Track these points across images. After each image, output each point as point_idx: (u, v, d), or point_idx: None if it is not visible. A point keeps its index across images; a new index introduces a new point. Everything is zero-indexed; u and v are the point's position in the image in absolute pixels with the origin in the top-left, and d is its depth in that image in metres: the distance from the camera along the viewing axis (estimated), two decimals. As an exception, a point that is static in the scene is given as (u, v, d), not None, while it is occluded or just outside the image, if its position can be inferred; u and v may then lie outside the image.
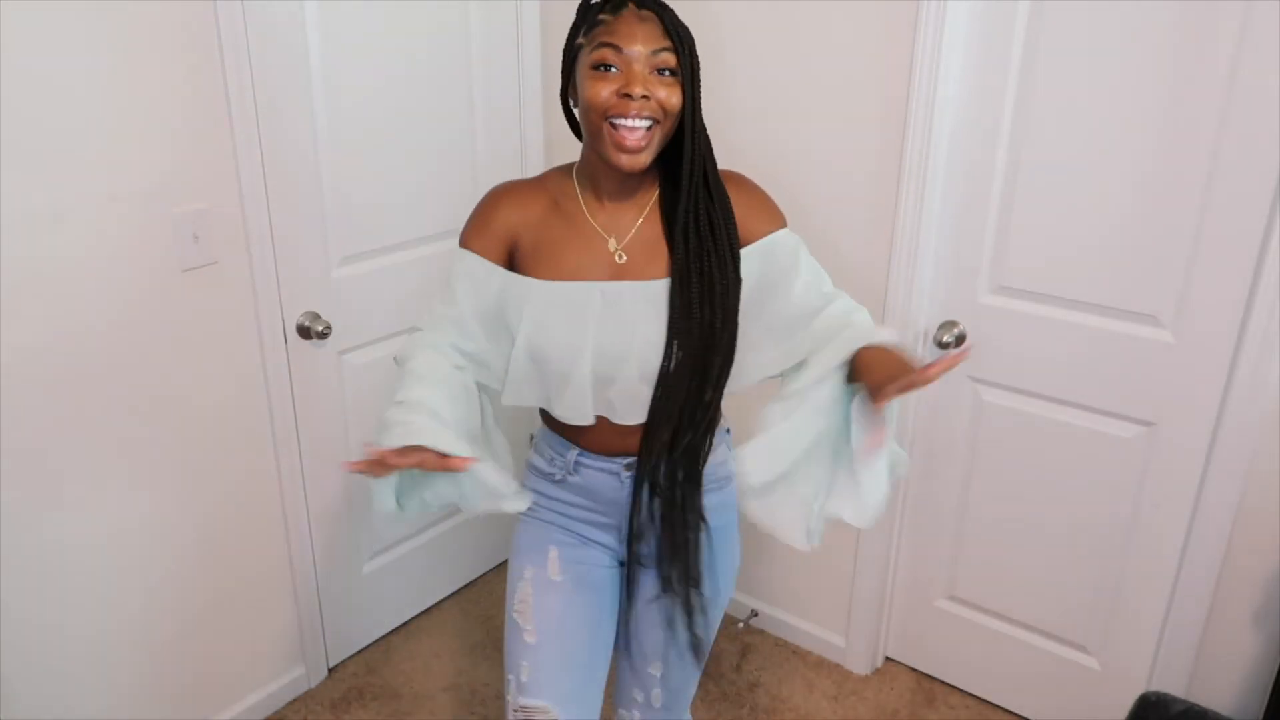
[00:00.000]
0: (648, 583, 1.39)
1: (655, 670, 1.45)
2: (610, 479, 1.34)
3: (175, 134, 1.66)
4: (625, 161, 1.18)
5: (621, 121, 1.16)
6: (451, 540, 2.49)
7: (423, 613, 2.47)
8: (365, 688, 2.21)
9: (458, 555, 2.53)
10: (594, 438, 1.32)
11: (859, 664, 2.28)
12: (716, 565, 1.39)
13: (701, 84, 1.22)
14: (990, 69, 1.76)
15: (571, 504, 1.38)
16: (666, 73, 1.18)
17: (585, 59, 1.18)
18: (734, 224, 1.29)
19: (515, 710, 1.35)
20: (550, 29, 2.28)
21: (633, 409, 1.26)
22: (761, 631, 2.42)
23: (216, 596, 1.94)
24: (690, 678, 1.50)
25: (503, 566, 2.66)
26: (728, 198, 1.29)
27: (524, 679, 1.34)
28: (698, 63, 1.22)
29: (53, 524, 1.64)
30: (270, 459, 1.97)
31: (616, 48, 1.15)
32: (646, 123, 1.17)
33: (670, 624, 1.38)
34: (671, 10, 1.20)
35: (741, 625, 2.42)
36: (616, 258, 1.26)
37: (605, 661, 1.43)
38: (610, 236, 1.27)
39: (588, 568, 1.39)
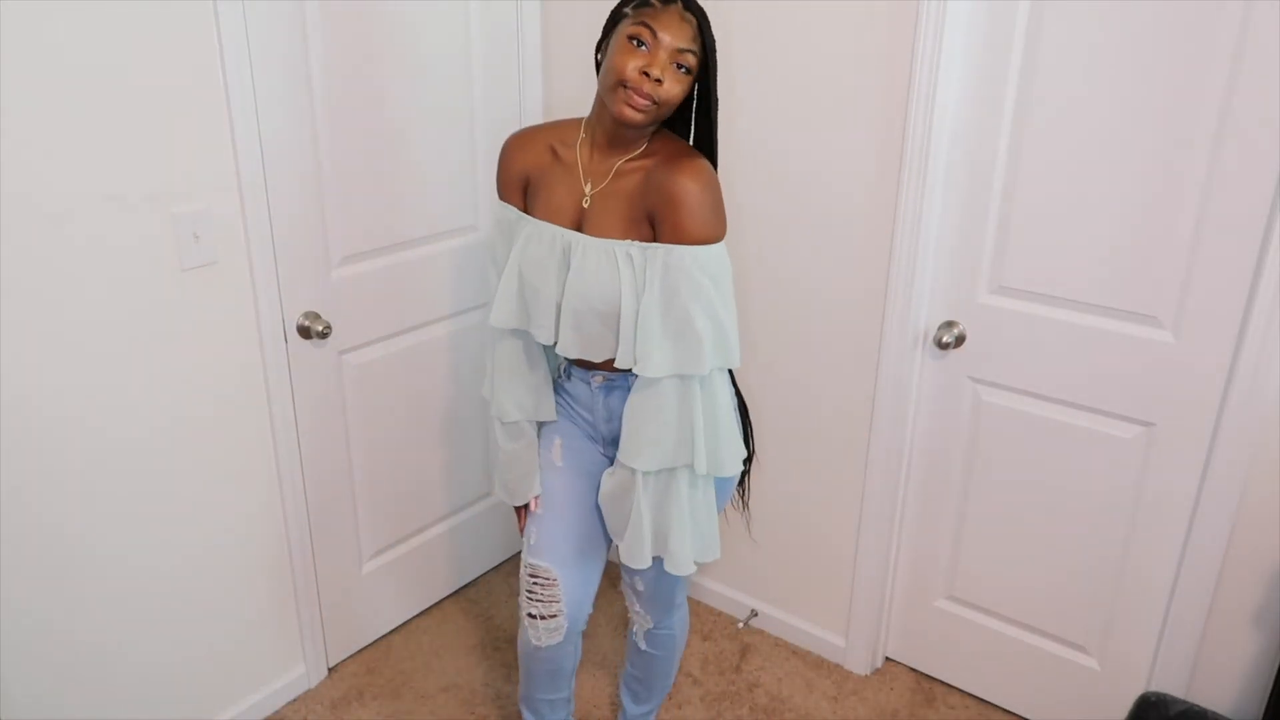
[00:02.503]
0: (606, 480, 1.62)
1: (626, 541, 1.64)
2: (585, 388, 1.63)
3: (175, 134, 1.66)
4: (627, 115, 1.39)
5: (634, 93, 1.37)
6: (451, 540, 2.49)
7: (423, 613, 2.47)
8: (365, 688, 2.21)
9: (458, 555, 2.53)
10: None
11: (859, 664, 2.28)
12: None
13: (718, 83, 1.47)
14: (990, 69, 1.76)
15: (571, 405, 1.69)
16: (683, 69, 1.39)
17: (624, 29, 1.39)
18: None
19: (526, 567, 1.63)
20: (550, 29, 2.28)
21: (577, 342, 1.50)
22: (761, 631, 2.42)
23: (216, 596, 1.94)
24: (664, 579, 1.69)
25: (502, 566, 2.66)
26: None
27: (533, 542, 1.63)
28: (715, 66, 1.44)
29: (52, 524, 1.64)
30: (270, 459, 1.97)
31: (654, 31, 1.37)
32: (651, 102, 1.38)
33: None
34: (708, 21, 1.42)
35: (741, 625, 2.42)
36: (584, 202, 1.49)
37: (604, 541, 1.68)
38: (588, 181, 1.49)
39: (585, 458, 1.67)
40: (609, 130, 1.47)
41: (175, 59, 1.63)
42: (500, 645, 2.36)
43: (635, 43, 1.37)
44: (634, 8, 1.40)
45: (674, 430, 1.46)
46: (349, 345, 2.07)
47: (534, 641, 1.65)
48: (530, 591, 1.62)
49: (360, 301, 2.06)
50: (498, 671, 2.27)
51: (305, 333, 1.95)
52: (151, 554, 1.81)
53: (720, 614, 2.48)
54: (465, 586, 2.58)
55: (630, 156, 1.48)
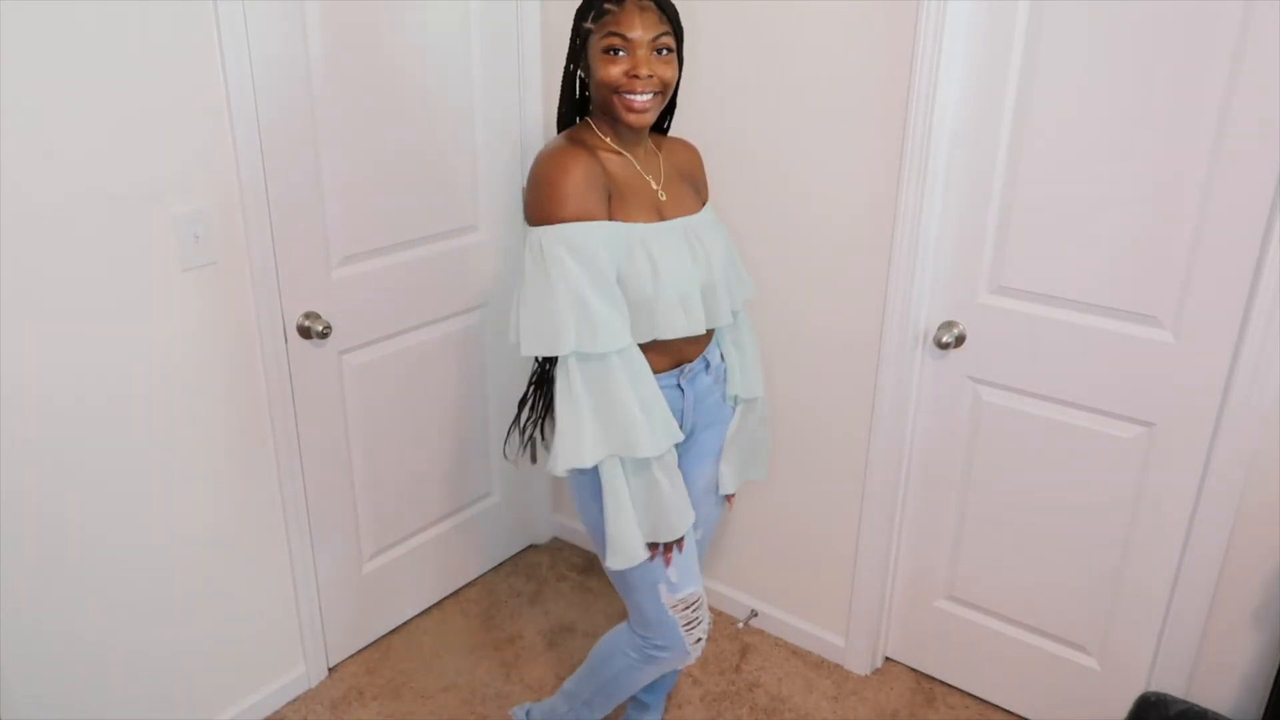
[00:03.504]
0: (699, 469, 1.71)
1: (697, 535, 1.75)
2: (672, 391, 1.58)
3: (175, 134, 1.66)
4: (635, 120, 1.44)
5: (631, 97, 1.42)
6: (451, 540, 2.49)
7: (423, 613, 2.47)
8: (365, 688, 2.21)
9: (458, 555, 2.53)
10: (659, 360, 1.54)
11: (859, 664, 2.28)
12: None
13: (686, 64, 1.56)
14: (990, 69, 1.76)
15: None
16: (665, 51, 1.44)
17: (596, 43, 1.43)
18: None
19: (674, 606, 1.60)
20: (550, 29, 2.28)
21: (721, 312, 1.58)
22: (761, 631, 2.42)
23: (216, 596, 1.94)
24: (708, 539, 1.85)
25: (502, 566, 2.67)
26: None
27: (674, 580, 1.59)
28: (682, 31, 1.49)
29: (52, 525, 1.64)
30: (270, 459, 1.97)
31: (623, 36, 1.40)
32: (650, 95, 1.43)
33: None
34: None
35: (741, 625, 2.42)
36: (660, 195, 1.54)
37: None
38: (649, 176, 1.55)
39: (679, 475, 1.60)
40: (635, 134, 1.52)
41: (175, 59, 1.63)
42: (500, 645, 2.36)
43: (612, 53, 1.41)
44: (594, 19, 1.42)
45: None
46: (349, 345, 2.07)
47: (694, 659, 1.68)
48: (690, 623, 1.63)
49: (360, 301, 2.06)
50: (498, 671, 2.27)
51: (305, 333, 1.95)
52: (151, 554, 1.81)
53: (720, 614, 2.48)
54: (465, 586, 2.58)
55: (661, 146, 1.62)
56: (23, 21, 1.43)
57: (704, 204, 1.65)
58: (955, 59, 1.77)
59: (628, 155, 1.52)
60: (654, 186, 1.54)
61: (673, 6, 1.46)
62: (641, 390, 1.45)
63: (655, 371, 1.52)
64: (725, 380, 1.72)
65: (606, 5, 1.40)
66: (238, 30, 1.68)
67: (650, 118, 1.46)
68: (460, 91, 2.15)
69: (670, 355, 1.57)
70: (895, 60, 1.81)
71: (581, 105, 1.57)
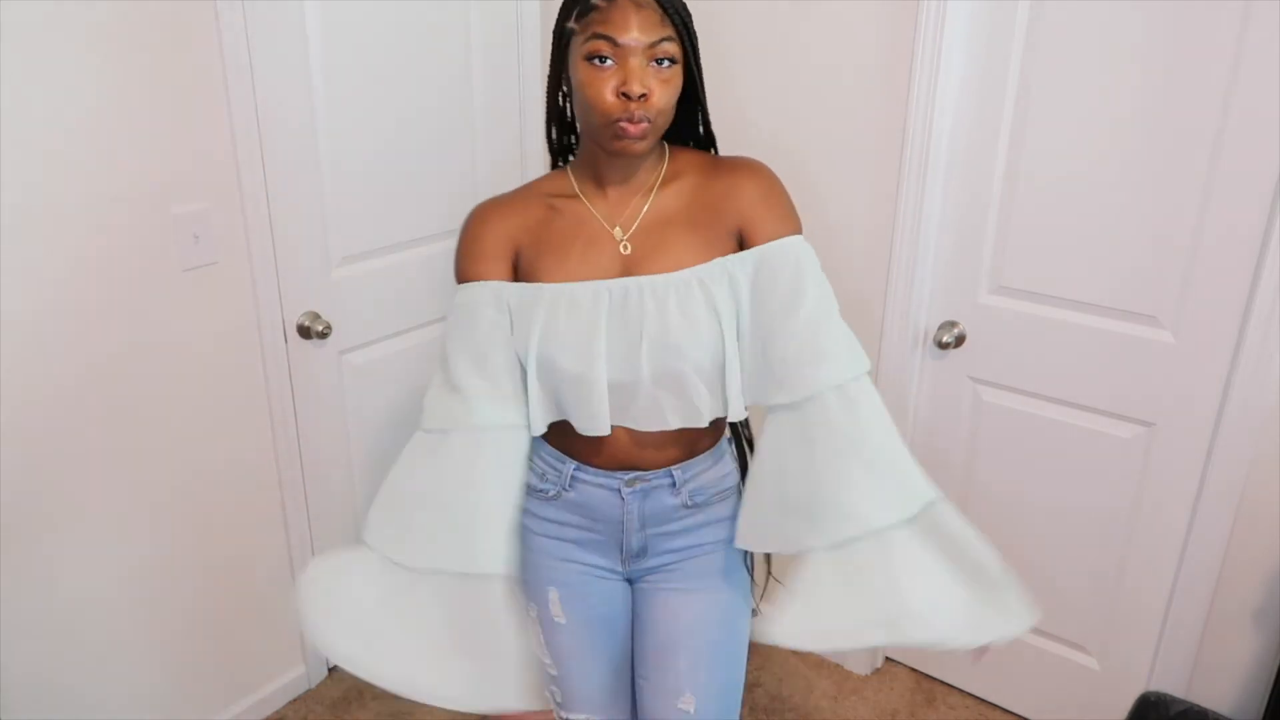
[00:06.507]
0: (660, 610, 1.31)
1: (687, 705, 1.28)
2: (610, 495, 1.25)
3: (175, 134, 1.66)
4: (624, 148, 1.11)
5: (624, 124, 1.09)
6: (451, 540, 2.48)
7: (423, 613, 2.47)
8: (365, 688, 2.21)
9: (458, 555, 2.52)
10: (596, 450, 1.23)
11: (859, 664, 2.28)
12: (732, 576, 1.33)
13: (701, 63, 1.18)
14: (990, 69, 1.77)
15: (564, 523, 1.29)
16: (666, 63, 1.09)
17: (579, 48, 1.10)
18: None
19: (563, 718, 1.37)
20: (550, 29, 2.28)
21: (652, 415, 1.18)
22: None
23: (217, 596, 1.94)
24: (728, 709, 1.32)
25: (503, 566, 2.66)
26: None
27: (559, 700, 1.35)
28: (695, 37, 1.14)
29: (53, 523, 1.65)
30: (270, 459, 1.97)
31: (612, 40, 1.07)
32: (646, 122, 1.10)
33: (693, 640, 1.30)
34: None
35: (741, 625, 2.41)
36: (622, 248, 1.18)
37: (630, 676, 1.37)
38: (615, 226, 1.19)
39: (590, 603, 1.32)
40: (620, 166, 1.19)
41: (176, 59, 1.63)
42: (500, 645, 2.36)
43: (597, 61, 1.08)
44: (578, 18, 1.11)
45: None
46: (349, 345, 2.07)
47: None
48: None
49: (360, 301, 2.06)
50: (498, 671, 2.27)
51: (305, 333, 1.95)
52: (151, 553, 1.81)
53: (720, 614, 2.48)
54: (465, 586, 2.57)
55: (660, 181, 1.21)
56: (23, 22, 1.43)
57: (726, 251, 1.18)
58: (955, 59, 1.77)
59: (586, 202, 1.21)
60: (617, 236, 1.18)
61: (680, 3, 1.12)
62: (438, 489, 1.22)
63: (586, 463, 1.25)
64: (731, 518, 1.29)
65: (593, 0, 1.09)
66: (237, 30, 1.68)
67: (644, 146, 1.11)
68: (460, 91, 2.15)
69: (603, 453, 1.23)
70: (895, 60, 1.82)
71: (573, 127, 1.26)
